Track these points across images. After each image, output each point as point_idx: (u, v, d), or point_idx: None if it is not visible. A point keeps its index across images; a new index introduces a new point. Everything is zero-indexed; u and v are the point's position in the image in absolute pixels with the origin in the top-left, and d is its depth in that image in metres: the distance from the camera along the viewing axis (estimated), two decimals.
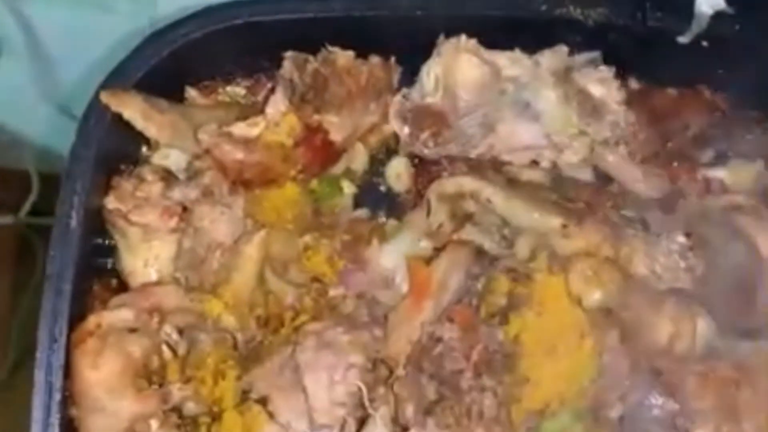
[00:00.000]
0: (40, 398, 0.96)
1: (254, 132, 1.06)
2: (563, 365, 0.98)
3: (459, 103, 1.09)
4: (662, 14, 1.07)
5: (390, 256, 1.06)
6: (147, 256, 1.04)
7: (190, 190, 1.05)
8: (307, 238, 1.08)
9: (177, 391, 0.99)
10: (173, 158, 1.08)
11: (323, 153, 1.09)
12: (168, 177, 1.06)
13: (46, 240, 1.00)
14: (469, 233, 1.05)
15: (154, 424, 0.97)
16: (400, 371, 0.99)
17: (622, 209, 1.08)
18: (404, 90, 1.12)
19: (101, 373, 0.96)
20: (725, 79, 1.13)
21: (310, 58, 1.10)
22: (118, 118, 1.03)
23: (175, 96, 1.10)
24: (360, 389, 0.97)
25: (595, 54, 1.11)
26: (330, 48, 1.10)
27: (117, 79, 1.05)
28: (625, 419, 0.97)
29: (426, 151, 1.11)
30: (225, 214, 1.05)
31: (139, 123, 1.04)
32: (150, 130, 1.04)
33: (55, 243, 1.00)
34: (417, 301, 1.01)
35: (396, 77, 1.13)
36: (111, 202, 1.03)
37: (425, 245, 1.06)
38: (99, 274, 1.05)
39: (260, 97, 1.12)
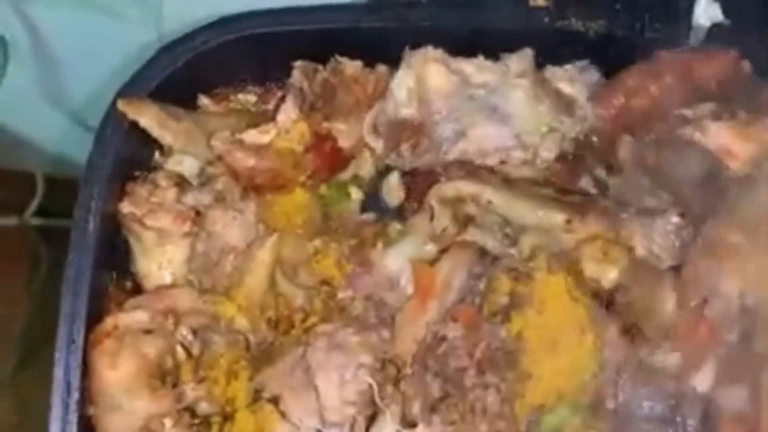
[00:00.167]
0: (58, 397, 0.97)
1: (265, 139, 1.07)
2: (564, 361, 0.99)
3: (433, 112, 1.09)
4: (660, 26, 1.08)
5: (395, 259, 1.06)
6: (161, 259, 1.05)
7: (203, 195, 1.06)
8: (317, 242, 1.08)
9: (191, 391, 1.00)
10: (186, 164, 1.09)
11: (332, 159, 1.10)
12: (181, 183, 1.07)
13: (50, 241, 1.00)
14: (472, 235, 1.06)
15: (168, 423, 0.99)
16: (407, 370, 1.00)
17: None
18: (376, 105, 1.12)
19: (119, 373, 0.97)
20: None
21: (320, 67, 1.11)
22: (134, 125, 1.04)
23: (189, 104, 1.11)
24: (371, 387, 0.98)
25: (584, 62, 1.12)
26: (339, 58, 1.11)
27: (133, 87, 1.06)
28: (620, 411, 0.98)
29: (401, 162, 1.11)
30: (237, 219, 1.06)
31: (155, 131, 1.05)
32: (165, 138, 1.06)
33: (73, 247, 1.01)
34: (422, 301, 1.02)
35: None
36: (126, 207, 1.04)
37: (430, 248, 1.07)
38: (114, 276, 1.06)
39: (271, 105, 1.13)
